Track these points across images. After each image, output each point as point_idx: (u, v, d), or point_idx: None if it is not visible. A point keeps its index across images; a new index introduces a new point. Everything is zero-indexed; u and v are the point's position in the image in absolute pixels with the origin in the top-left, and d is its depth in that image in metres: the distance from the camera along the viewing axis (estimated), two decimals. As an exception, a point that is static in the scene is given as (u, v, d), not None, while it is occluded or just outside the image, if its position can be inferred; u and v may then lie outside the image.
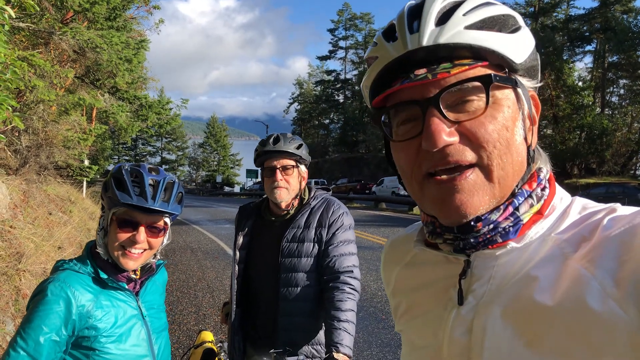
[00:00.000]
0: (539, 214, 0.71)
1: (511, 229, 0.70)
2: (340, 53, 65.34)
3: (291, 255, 2.18)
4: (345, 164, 54.25)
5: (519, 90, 0.71)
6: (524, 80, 0.73)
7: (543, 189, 0.73)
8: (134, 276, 1.67)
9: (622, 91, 40.43)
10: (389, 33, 0.74)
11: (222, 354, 2.56)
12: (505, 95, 0.69)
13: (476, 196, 0.67)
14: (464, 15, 0.69)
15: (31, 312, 1.44)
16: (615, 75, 38.82)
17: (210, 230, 16.23)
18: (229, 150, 71.98)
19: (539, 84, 0.77)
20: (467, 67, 0.66)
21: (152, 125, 17.95)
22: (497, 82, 0.67)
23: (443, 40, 0.67)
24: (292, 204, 2.29)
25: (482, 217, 0.69)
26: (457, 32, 0.67)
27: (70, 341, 1.48)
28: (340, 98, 66.62)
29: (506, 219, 0.69)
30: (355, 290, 2.11)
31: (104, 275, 1.57)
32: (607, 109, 38.58)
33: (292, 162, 2.24)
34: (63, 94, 11.63)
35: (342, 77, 65.97)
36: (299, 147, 2.25)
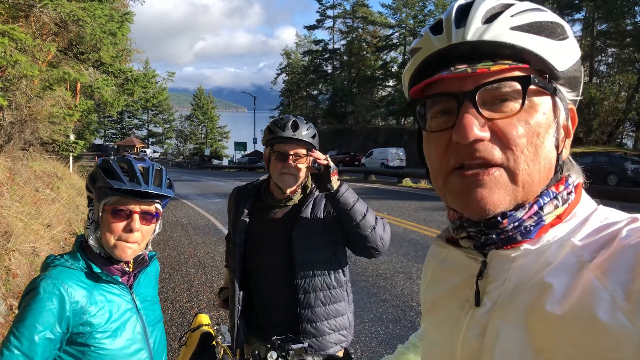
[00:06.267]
0: (559, 218, 0.71)
1: (532, 228, 0.70)
2: (328, 22, 64.35)
3: (305, 250, 2.16)
4: (334, 135, 54.12)
5: (557, 98, 0.71)
6: (563, 90, 0.73)
7: (569, 193, 0.73)
8: (127, 269, 1.65)
9: (610, 60, 40.49)
10: (436, 27, 0.74)
11: (219, 337, 2.57)
12: (542, 100, 0.70)
13: (497, 194, 0.68)
14: (512, 16, 0.69)
15: (24, 311, 1.41)
16: (604, 44, 38.76)
17: (200, 205, 16.18)
18: (216, 122, 71.42)
19: (579, 98, 0.77)
20: (507, 66, 0.67)
21: (139, 99, 17.69)
22: (536, 85, 0.68)
23: (487, 37, 0.68)
24: (296, 190, 2.25)
25: (508, 214, 0.69)
26: (502, 31, 0.68)
27: (65, 338, 1.46)
28: (329, 69, 66.02)
29: (530, 217, 0.70)
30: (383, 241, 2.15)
31: (97, 270, 1.54)
32: (595, 78, 38.64)
33: (305, 151, 2.19)
34: (46, 69, 11.35)
35: (330, 47, 65.17)
36: (314, 136, 2.20)
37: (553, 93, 0.71)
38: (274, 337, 1.95)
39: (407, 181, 23.50)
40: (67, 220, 9.53)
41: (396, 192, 18.94)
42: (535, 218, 0.70)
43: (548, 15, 0.71)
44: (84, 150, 25.35)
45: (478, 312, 0.73)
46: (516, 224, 0.70)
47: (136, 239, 1.57)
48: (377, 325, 5.20)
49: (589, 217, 0.70)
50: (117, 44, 12.76)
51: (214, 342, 2.54)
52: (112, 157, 1.59)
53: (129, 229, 1.55)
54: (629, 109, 34.00)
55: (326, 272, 2.18)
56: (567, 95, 0.74)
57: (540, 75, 0.70)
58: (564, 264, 0.65)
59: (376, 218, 2.14)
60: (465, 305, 0.76)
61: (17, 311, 1.46)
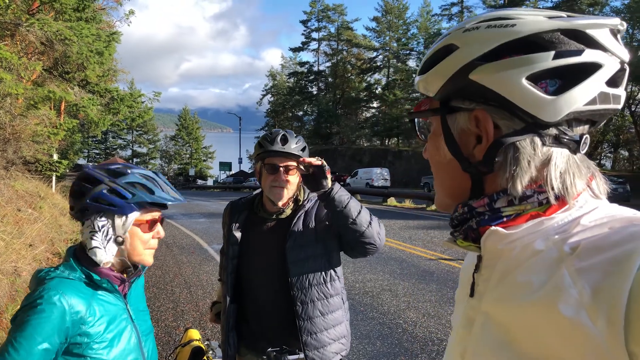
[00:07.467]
0: (544, 213, 0.71)
1: (487, 214, 0.74)
2: (313, 44, 65.03)
3: (299, 260, 2.17)
4: (320, 155, 54.00)
5: (452, 115, 0.78)
6: (460, 103, 0.76)
7: (540, 193, 0.71)
8: (124, 277, 1.65)
9: (588, 83, 41.40)
10: None
11: (210, 352, 2.56)
12: (437, 124, 0.81)
13: (438, 197, 0.86)
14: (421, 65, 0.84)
15: (23, 321, 1.41)
16: (582, 67, 39.67)
17: (185, 224, 16.06)
18: (201, 142, 71.20)
19: (474, 106, 0.75)
20: (419, 103, 0.86)
21: (124, 119, 17.62)
22: (423, 116, 0.86)
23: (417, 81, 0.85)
24: (288, 203, 2.27)
25: (464, 202, 0.77)
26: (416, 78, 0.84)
27: (62, 348, 1.46)
28: (314, 90, 66.47)
29: (482, 206, 0.75)
30: (379, 238, 2.20)
31: (97, 278, 1.54)
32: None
33: (295, 164, 2.20)
34: (31, 87, 11.30)
35: (315, 68, 65.77)
36: (303, 149, 2.23)
37: (443, 114, 0.79)
38: (269, 349, 1.93)
39: (391, 200, 23.66)
40: (50, 240, 9.40)
41: (381, 212, 19.00)
42: (488, 208, 0.74)
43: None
44: (67, 171, 24.99)
45: (470, 303, 0.78)
46: (466, 208, 0.77)
47: (156, 244, 1.69)
48: (364, 343, 5.19)
49: (584, 215, 0.69)
50: (104, 63, 12.75)
51: (204, 357, 2.54)
52: (135, 172, 1.60)
53: (157, 237, 1.66)
54: (607, 130, 34.78)
55: (322, 281, 2.18)
56: (465, 105, 0.76)
57: (432, 107, 0.82)
58: (545, 257, 0.66)
59: (370, 214, 2.17)
60: (466, 297, 0.81)
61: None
